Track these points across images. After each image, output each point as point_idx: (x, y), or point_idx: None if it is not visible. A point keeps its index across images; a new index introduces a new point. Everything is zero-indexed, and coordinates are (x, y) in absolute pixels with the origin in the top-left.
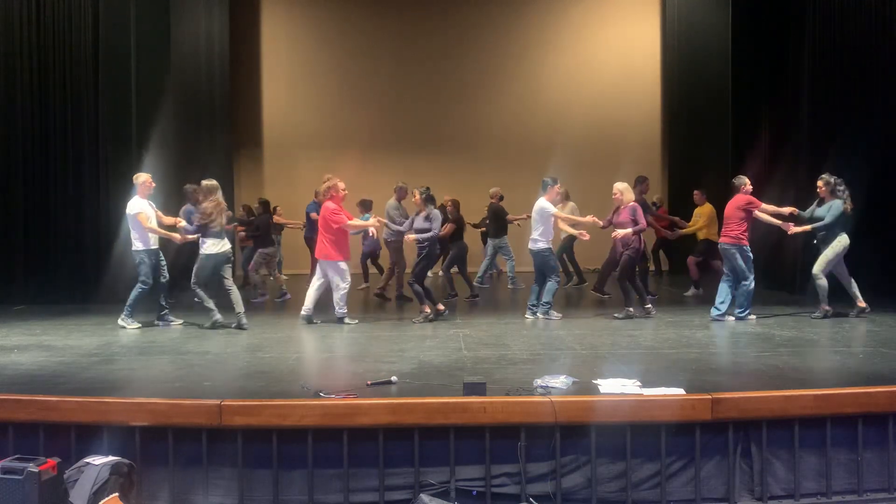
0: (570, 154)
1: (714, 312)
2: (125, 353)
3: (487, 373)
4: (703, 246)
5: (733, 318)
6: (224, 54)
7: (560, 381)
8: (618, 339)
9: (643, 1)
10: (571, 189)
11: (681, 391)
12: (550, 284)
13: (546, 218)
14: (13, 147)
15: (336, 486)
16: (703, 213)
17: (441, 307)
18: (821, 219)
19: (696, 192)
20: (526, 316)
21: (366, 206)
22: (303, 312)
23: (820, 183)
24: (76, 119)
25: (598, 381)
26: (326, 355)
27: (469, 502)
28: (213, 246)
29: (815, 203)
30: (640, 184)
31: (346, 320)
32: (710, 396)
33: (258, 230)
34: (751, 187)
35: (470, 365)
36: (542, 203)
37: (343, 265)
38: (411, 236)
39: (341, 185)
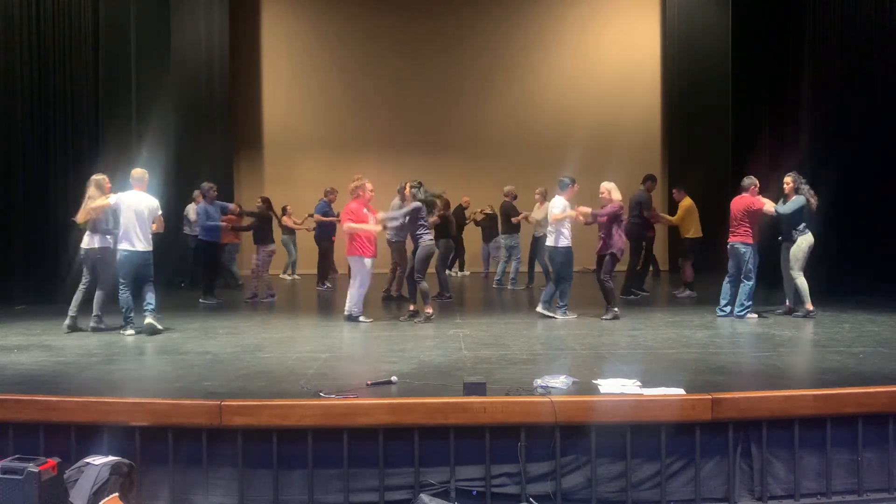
0: (571, 154)
1: (719, 313)
2: (125, 353)
3: (487, 373)
4: (688, 244)
5: (735, 316)
6: (224, 54)
7: (560, 381)
8: (618, 339)
9: (643, 1)
10: None
11: (681, 391)
12: (548, 289)
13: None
14: (13, 146)
15: (336, 486)
16: (682, 206)
17: (429, 309)
18: (786, 213)
19: (673, 190)
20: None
21: None
22: (346, 312)
23: (788, 179)
24: (76, 119)
25: (598, 381)
26: (326, 355)
27: (469, 502)
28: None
29: (781, 201)
30: (647, 181)
31: (362, 318)
32: (710, 396)
33: (261, 224)
34: (758, 188)
35: (470, 365)
36: (554, 201)
37: (369, 263)
38: (380, 215)
39: (369, 185)
